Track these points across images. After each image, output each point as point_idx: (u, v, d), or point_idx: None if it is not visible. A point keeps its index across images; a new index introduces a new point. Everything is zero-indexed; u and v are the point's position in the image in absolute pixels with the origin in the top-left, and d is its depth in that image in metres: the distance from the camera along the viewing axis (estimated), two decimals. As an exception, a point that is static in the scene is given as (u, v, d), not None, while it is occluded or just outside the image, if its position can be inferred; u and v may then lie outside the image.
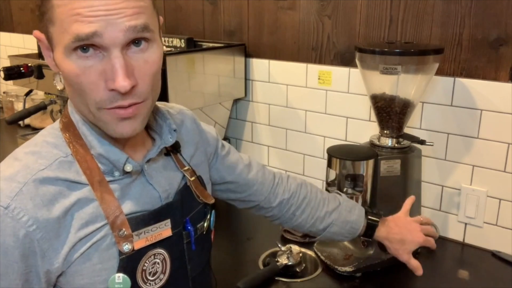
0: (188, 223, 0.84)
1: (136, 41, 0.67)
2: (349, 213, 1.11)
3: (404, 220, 1.17)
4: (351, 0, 1.52)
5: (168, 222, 0.80)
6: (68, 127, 0.76)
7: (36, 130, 2.30)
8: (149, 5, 0.69)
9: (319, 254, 1.33)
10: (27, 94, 2.00)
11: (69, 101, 0.78)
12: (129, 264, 0.74)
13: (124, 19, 0.64)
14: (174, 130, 0.82)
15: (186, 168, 0.87)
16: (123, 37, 0.65)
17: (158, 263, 0.79)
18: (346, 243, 1.35)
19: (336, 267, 1.26)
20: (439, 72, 1.35)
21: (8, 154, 0.76)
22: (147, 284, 0.77)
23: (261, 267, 1.29)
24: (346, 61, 1.57)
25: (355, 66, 1.44)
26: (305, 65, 1.66)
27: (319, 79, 1.63)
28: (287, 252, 1.29)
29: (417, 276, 1.11)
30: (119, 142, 0.77)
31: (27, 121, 2.38)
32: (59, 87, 1.66)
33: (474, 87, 1.33)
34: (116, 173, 0.76)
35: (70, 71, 0.66)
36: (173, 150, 0.86)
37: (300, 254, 1.30)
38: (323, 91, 1.63)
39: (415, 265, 1.13)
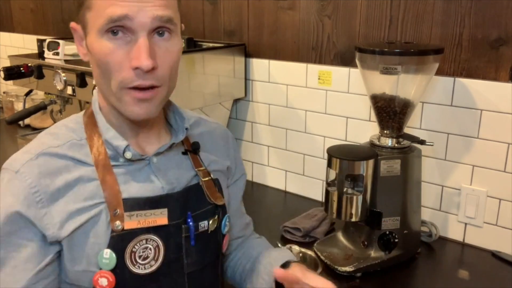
0: (190, 218, 0.85)
1: (160, 32, 0.75)
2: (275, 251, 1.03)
3: None
4: (351, 0, 1.52)
5: (165, 211, 0.82)
6: (89, 115, 0.85)
7: (36, 130, 2.30)
8: (175, 4, 0.77)
9: (319, 254, 1.33)
10: (27, 94, 2.00)
11: (94, 91, 0.86)
12: (118, 242, 0.78)
13: (153, 8, 0.72)
14: (186, 129, 0.88)
15: (201, 169, 0.90)
16: (150, 24, 0.73)
17: (150, 249, 0.81)
18: (346, 243, 1.35)
19: (336, 267, 1.26)
20: (439, 72, 1.35)
21: (8, 154, 0.82)
22: (136, 266, 0.79)
23: (261, 267, 1.29)
24: (346, 61, 1.57)
25: (355, 66, 1.44)
26: (305, 65, 1.66)
27: (319, 79, 1.63)
28: (287, 252, 1.29)
29: (417, 276, 1.10)
30: (133, 132, 0.84)
31: (27, 121, 2.38)
32: (59, 87, 1.66)
33: (474, 87, 1.33)
34: (121, 159, 0.82)
35: (101, 50, 0.74)
36: (192, 150, 0.90)
37: (300, 254, 1.30)
38: (323, 91, 1.63)
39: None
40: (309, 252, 1.36)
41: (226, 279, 1.08)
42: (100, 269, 0.78)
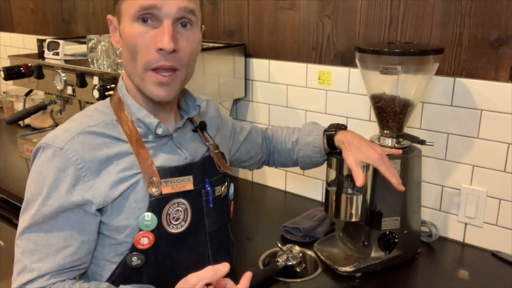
0: (207, 184, 1.00)
1: (183, 23, 0.87)
2: (308, 136, 1.28)
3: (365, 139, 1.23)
4: (351, 0, 1.52)
5: (190, 178, 0.96)
6: (116, 100, 0.96)
7: (36, 130, 2.30)
8: (197, 0, 0.90)
9: (319, 254, 1.33)
10: (27, 94, 2.00)
11: (119, 79, 0.97)
12: (157, 206, 0.91)
13: (178, 1, 0.85)
14: (198, 106, 1.03)
15: (210, 143, 1.05)
16: (175, 13, 0.85)
17: (181, 211, 0.94)
18: (346, 243, 1.35)
19: (336, 267, 1.26)
20: (439, 72, 1.35)
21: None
22: (170, 226, 0.93)
23: (261, 267, 1.29)
24: (346, 61, 1.57)
25: (355, 66, 1.44)
26: (305, 65, 1.66)
27: (319, 79, 1.63)
28: (287, 252, 1.29)
29: (417, 276, 1.10)
30: (157, 111, 0.95)
31: (27, 121, 2.38)
32: (59, 87, 1.66)
33: (474, 87, 1.33)
34: (150, 136, 0.94)
35: (131, 34, 0.86)
36: (200, 128, 1.05)
37: (300, 254, 1.30)
38: (323, 91, 1.63)
39: (359, 175, 1.13)
40: (309, 252, 1.36)
41: (272, 164, 1.38)
42: (141, 230, 0.90)
